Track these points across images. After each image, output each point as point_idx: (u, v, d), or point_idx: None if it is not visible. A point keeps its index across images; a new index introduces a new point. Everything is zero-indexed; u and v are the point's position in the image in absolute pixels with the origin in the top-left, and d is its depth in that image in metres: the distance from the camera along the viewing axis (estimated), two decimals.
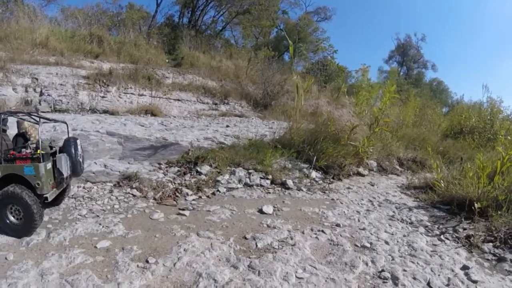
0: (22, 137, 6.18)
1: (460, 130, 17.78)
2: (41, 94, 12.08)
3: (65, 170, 5.66)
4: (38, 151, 5.33)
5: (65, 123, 6.44)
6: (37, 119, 5.77)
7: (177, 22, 26.21)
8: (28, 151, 5.51)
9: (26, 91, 11.97)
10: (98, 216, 6.04)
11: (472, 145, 15.80)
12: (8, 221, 5.19)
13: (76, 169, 5.97)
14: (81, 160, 6.16)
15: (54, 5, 22.67)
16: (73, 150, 5.88)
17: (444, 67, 69.73)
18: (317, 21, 35.26)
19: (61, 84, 12.69)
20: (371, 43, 75.56)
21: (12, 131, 6.25)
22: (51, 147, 6.05)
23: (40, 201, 5.25)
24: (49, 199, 5.50)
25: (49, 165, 5.44)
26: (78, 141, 6.12)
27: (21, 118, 6.22)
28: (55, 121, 6.71)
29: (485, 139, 16.63)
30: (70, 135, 6.48)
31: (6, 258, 4.42)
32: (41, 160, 5.23)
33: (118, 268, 4.36)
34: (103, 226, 5.62)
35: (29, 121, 6.29)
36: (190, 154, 9.06)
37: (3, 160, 5.31)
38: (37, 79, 12.47)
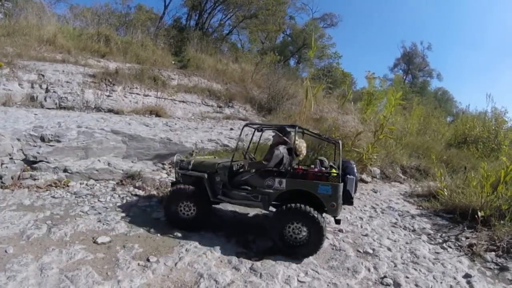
0: (290, 151, 5.76)
1: (464, 140, 17.73)
2: (47, 90, 12.09)
3: (353, 193, 5.43)
4: (333, 170, 5.31)
5: (338, 143, 5.99)
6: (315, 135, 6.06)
7: (185, 25, 26.25)
8: (317, 169, 5.46)
9: (32, 87, 11.98)
10: (100, 213, 6.04)
11: (476, 154, 15.75)
12: (286, 238, 5.13)
13: (355, 191, 5.69)
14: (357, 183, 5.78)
15: (63, 3, 22.78)
16: (355, 173, 5.56)
17: (449, 76, 70.01)
18: (323, 27, 35.39)
19: (67, 82, 12.71)
20: (376, 50, 75.96)
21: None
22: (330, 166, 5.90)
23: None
24: (340, 223, 5.59)
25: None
26: (354, 162, 5.89)
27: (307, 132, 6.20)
28: (328, 139, 6.57)
29: (489, 149, 16.58)
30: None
31: (6, 251, 4.41)
32: (340, 180, 5.09)
33: (118, 266, 4.35)
34: (104, 224, 5.62)
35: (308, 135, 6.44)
36: (194, 155, 9.05)
37: (292, 175, 5.29)
38: (43, 75, 12.50)
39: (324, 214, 5.30)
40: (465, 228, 7.05)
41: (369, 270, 5.07)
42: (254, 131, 6.57)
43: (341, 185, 5.07)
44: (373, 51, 77.56)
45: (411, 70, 49.17)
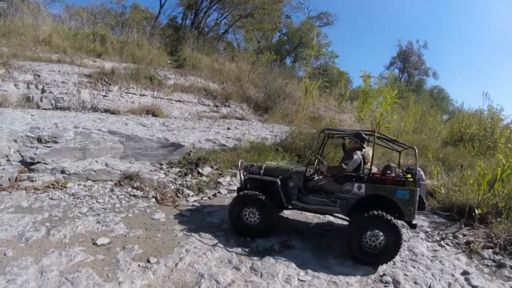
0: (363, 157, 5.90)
1: (460, 138, 17.75)
2: (43, 91, 12.04)
3: (424, 199, 5.47)
4: (408, 175, 5.30)
5: (415, 149, 5.94)
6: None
7: (180, 24, 26.25)
8: (392, 174, 5.48)
9: (28, 87, 11.94)
10: (98, 214, 6.02)
11: (472, 152, 15.78)
12: (365, 246, 5.10)
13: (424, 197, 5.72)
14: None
15: (58, 3, 22.70)
16: (423, 179, 5.61)
17: (445, 74, 70.22)
18: (319, 26, 35.47)
19: (63, 82, 12.67)
20: (372, 49, 76.18)
21: None
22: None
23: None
24: (416, 227, 5.61)
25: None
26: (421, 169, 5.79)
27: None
28: (405, 146, 6.39)
29: (485, 147, 16.61)
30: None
31: (5, 254, 4.39)
32: (417, 185, 5.09)
33: (119, 267, 4.35)
34: (103, 225, 5.61)
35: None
36: (191, 155, 9.06)
37: (371, 180, 5.29)
38: (39, 76, 12.45)
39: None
40: (463, 226, 7.08)
41: (368, 268, 5.09)
42: (325, 137, 6.53)
43: (418, 189, 5.08)
44: (369, 49, 77.78)
45: (407, 69, 49.32)
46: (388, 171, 5.66)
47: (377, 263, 5.09)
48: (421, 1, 72.86)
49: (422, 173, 5.63)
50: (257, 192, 5.64)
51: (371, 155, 5.80)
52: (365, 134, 5.95)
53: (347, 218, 5.72)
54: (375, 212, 4.99)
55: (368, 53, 75.77)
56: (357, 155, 5.58)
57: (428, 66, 50.04)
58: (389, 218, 4.93)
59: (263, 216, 5.64)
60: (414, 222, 5.33)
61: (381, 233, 5.02)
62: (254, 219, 5.68)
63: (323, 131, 6.34)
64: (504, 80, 73.46)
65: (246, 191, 5.85)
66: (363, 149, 5.83)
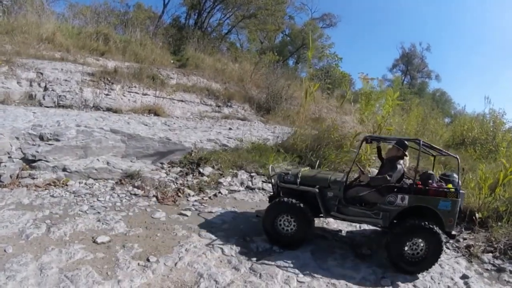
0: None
1: (462, 141, 17.73)
2: (46, 89, 12.06)
3: (461, 206, 5.40)
4: (449, 185, 5.29)
5: (457, 158, 5.78)
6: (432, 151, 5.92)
7: (184, 24, 26.22)
8: (435, 185, 5.40)
9: (31, 85, 11.96)
10: (99, 212, 6.03)
11: (473, 156, 15.75)
12: (405, 254, 5.08)
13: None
14: None
15: (62, 1, 22.86)
16: (458, 184, 5.45)
17: (448, 77, 70.08)
18: (322, 28, 35.40)
19: (65, 80, 12.69)
20: (375, 51, 75.94)
21: None
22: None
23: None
24: (455, 237, 5.50)
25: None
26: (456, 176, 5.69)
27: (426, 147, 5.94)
28: (448, 154, 6.32)
29: (486, 151, 16.57)
30: None
31: (5, 251, 4.40)
32: (458, 196, 5.07)
33: (118, 266, 4.36)
34: (104, 223, 5.62)
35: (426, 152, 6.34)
36: (193, 155, 9.06)
37: (414, 191, 5.21)
38: (42, 73, 12.47)
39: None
40: (463, 230, 7.08)
41: (367, 270, 5.10)
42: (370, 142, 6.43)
43: (459, 200, 5.07)
44: (372, 51, 77.58)
45: (409, 71, 49.22)
46: (429, 181, 5.53)
47: (416, 271, 5.07)
48: (425, 4, 72.76)
49: (458, 180, 5.55)
50: (294, 200, 5.46)
51: (407, 163, 5.83)
52: (407, 141, 5.87)
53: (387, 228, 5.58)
54: (418, 222, 4.98)
55: (371, 55, 75.60)
56: (400, 165, 5.49)
57: (431, 68, 50.00)
58: (432, 227, 4.90)
59: (299, 225, 5.47)
60: (453, 232, 5.25)
61: (422, 242, 5.00)
62: (290, 227, 5.52)
63: (365, 139, 6.20)
64: (507, 84, 73.22)
65: (282, 197, 5.68)
66: (407, 157, 5.74)
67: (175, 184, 7.86)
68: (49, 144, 7.93)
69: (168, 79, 16.19)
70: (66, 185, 7.14)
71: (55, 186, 7.04)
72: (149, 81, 14.90)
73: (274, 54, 23.79)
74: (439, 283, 4.91)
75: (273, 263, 4.90)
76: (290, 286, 4.37)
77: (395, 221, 5.33)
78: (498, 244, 6.20)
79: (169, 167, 8.69)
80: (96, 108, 12.34)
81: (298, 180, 5.70)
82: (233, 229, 6.05)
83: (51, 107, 11.45)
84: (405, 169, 5.53)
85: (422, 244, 5.00)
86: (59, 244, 4.79)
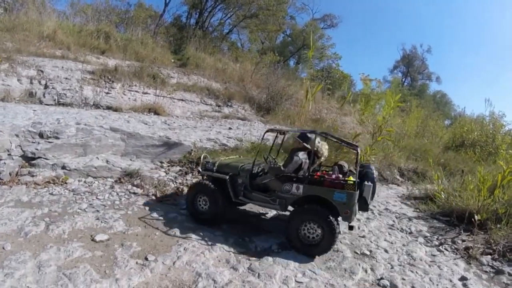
0: (308, 155, 5.96)
1: (461, 143, 17.77)
2: (46, 86, 12.06)
3: (369, 200, 5.55)
4: (350, 177, 5.45)
5: (357, 149, 5.81)
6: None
7: (185, 23, 26.22)
8: (335, 176, 5.59)
9: (31, 82, 11.95)
10: (98, 211, 6.04)
11: (473, 158, 15.79)
12: (301, 237, 5.35)
13: (372, 197, 5.94)
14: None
15: None
16: (373, 179, 5.69)
17: (448, 79, 70.10)
18: (323, 28, 35.40)
19: (66, 78, 12.68)
20: (376, 52, 76.16)
21: None
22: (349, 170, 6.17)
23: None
24: (353, 229, 5.87)
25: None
26: (374, 169, 5.97)
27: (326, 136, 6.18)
28: (348, 144, 6.29)
29: (486, 153, 16.62)
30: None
31: (3, 248, 4.41)
32: (356, 188, 5.17)
33: (117, 264, 4.36)
34: (102, 221, 5.62)
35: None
36: (192, 154, 9.05)
37: (309, 181, 5.43)
38: (42, 71, 12.46)
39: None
40: (462, 231, 7.09)
41: (366, 271, 5.10)
42: (277, 135, 6.76)
43: (356, 193, 5.15)
44: (373, 53, 77.76)
45: (410, 73, 49.29)
46: (331, 172, 5.84)
47: (312, 254, 5.28)
48: (426, 6, 72.82)
49: (373, 171, 5.79)
50: (207, 182, 6.19)
51: (325, 150, 6.14)
52: (309, 134, 6.03)
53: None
54: (308, 208, 5.31)
55: (372, 56, 75.84)
56: (298, 157, 5.68)
57: (431, 70, 50.09)
58: (323, 212, 5.18)
59: (211, 204, 6.08)
60: (352, 224, 5.55)
61: (317, 227, 5.24)
62: (205, 206, 6.15)
63: (268, 131, 6.62)
64: (507, 85, 73.27)
65: (201, 181, 6.46)
66: (309, 149, 5.83)
67: (175, 183, 7.86)
68: (49, 142, 7.94)
69: (168, 78, 16.19)
70: (65, 183, 7.15)
71: (54, 184, 7.05)
72: (150, 80, 14.89)
73: (275, 54, 23.78)
74: (437, 285, 4.90)
75: (271, 262, 4.90)
76: (288, 286, 4.37)
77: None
78: (497, 246, 6.20)
79: (168, 166, 8.68)
80: (96, 106, 12.33)
81: (214, 168, 6.32)
82: (231, 229, 6.06)
83: (51, 105, 11.44)
84: (306, 160, 5.73)
85: (318, 230, 5.23)
86: (57, 242, 4.79)
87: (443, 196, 8.64)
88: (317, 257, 5.33)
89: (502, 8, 70.57)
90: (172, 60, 19.36)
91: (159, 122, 11.36)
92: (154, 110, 13.16)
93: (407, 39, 69.57)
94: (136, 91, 14.00)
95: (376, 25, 74.18)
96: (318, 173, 5.76)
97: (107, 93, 13.04)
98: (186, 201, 6.39)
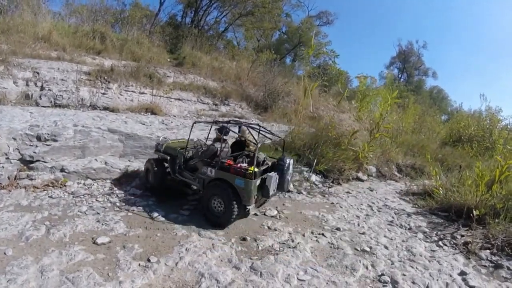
0: (239, 144, 7.60)
1: (459, 138, 17.84)
2: (42, 88, 12.01)
3: (272, 189, 6.26)
4: (252, 168, 6.03)
5: (283, 141, 7.78)
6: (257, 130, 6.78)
7: (180, 22, 26.14)
8: (244, 165, 6.35)
9: (27, 84, 11.90)
10: (98, 213, 6.03)
11: (470, 153, 15.86)
12: (210, 209, 6.29)
13: (282, 187, 6.65)
14: (289, 178, 6.86)
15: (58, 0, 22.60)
16: (285, 170, 6.59)
17: (445, 75, 70.14)
18: (319, 25, 35.41)
19: (62, 79, 12.63)
20: (372, 48, 76.06)
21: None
22: (264, 161, 6.92)
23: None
24: (250, 212, 6.58)
25: (258, 182, 6.12)
26: (291, 161, 6.85)
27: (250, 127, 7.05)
28: (275, 135, 7.61)
29: (483, 148, 16.69)
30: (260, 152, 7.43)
31: (5, 253, 4.40)
32: (253, 178, 5.91)
33: (119, 267, 4.37)
34: (103, 224, 5.62)
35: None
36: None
37: (220, 167, 6.30)
38: (38, 73, 12.41)
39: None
40: (460, 226, 7.14)
41: (366, 268, 5.14)
42: (211, 127, 7.70)
43: (253, 181, 5.90)
44: (369, 49, 77.47)
45: (406, 69, 49.26)
46: (240, 160, 6.73)
47: (218, 224, 6.10)
48: (421, 1, 72.84)
49: (286, 164, 6.64)
50: (152, 161, 7.60)
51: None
52: (227, 127, 7.02)
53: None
54: (216, 183, 6.29)
55: (368, 52, 75.72)
56: (214, 146, 6.78)
57: (427, 66, 50.09)
58: (226, 190, 6.08)
59: (154, 176, 7.46)
60: (249, 207, 6.18)
61: (221, 202, 6.13)
62: (153, 178, 7.48)
63: (195, 122, 7.74)
64: (503, 81, 73.43)
65: (150, 159, 7.78)
66: (226, 140, 7.03)
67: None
68: (47, 145, 7.92)
69: (165, 77, 16.17)
70: (65, 185, 7.14)
71: (53, 187, 7.03)
72: (146, 79, 14.86)
73: (271, 52, 23.73)
74: (437, 280, 4.94)
75: (273, 261, 4.92)
76: (290, 284, 4.39)
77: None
78: (495, 240, 6.24)
79: (167, 166, 8.67)
80: (93, 107, 12.30)
81: (162, 149, 7.60)
82: (232, 228, 6.08)
83: (48, 106, 11.41)
84: (225, 149, 6.80)
85: (222, 205, 6.11)
86: (59, 245, 4.79)
87: (441, 192, 8.69)
88: (318, 254, 5.36)
89: (500, 2, 70.67)
90: (168, 60, 19.32)
91: (156, 122, 11.34)
92: (151, 110, 13.14)
93: (403, 35, 69.69)
94: (132, 91, 13.97)
95: (371, 22, 73.98)
96: (229, 161, 6.51)
97: (104, 93, 13.01)
98: (144, 173, 7.75)
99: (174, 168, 7.32)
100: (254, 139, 6.88)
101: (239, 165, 6.36)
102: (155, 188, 7.47)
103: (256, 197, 6.15)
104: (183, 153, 7.21)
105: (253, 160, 6.19)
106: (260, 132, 6.82)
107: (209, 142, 7.54)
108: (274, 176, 6.20)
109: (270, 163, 6.86)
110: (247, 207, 6.14)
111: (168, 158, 7.47)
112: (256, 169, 6.02)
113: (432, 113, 21.93)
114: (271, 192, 6.20)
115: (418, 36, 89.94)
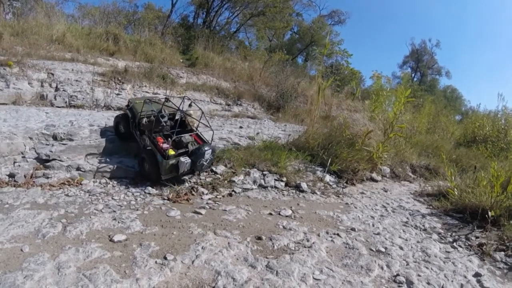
0: (182, 123, 8.60)
1: (473, 139, 17.60)
2: (57, 89, 12.18)
3: (182, 169, 7.38)
4: (170, 151, 7.36)
5: (212, 130, 8.56)
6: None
7: (192, 23, 26.31)
8: (166, 146, 7.50)
9: (42, 86, 12.07)
10: (114, 211, 6.08)
11: (485, 154, 15.64)
12: (142, 167, 7.83)
13: (195, 168, 7.64)
14: (205, 163, 7.74)
15: (71, 2, 23.04)
16: (198, 156, 7.49)
17: (458, 74, 69.46)
18: (331, 25, 35.32)
19: (76, 80, 12.80)
20: (385, 47, 75.74)
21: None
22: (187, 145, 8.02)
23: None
24: (163, 179, 7.53)
25: (172, 162, 7.30)
26: (209, 151, 7.70)
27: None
28: (188, 115, 8.87)
29: (498, 149, 16.45)
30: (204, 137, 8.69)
31: (22, 250, 4.43)
32: (166, 158, 7.21)
33: (136, 264, 4.38)
34: (119, 222, 5.65)
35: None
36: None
37: (151, 141, 7.70)
38: (53, 74, 12.58)
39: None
40: (475, 228, 7.04)
41: (382, 268, 5.09)
42: (162, 106, 8.41)
43: (166, 161, 7.20)
44: (381, 48, 77.19)
45: (419, 68, 48.87)
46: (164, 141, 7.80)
47: (148, 179, 7.71)
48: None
49: (201, 151, 7.49)
50: (120, 116, 8.96)
51: (195, 121, 8.95)
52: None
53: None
54: (147, 148, 7.73)
55: (381, 51, 75.45)
56: (155, 120, 7.90)
57: (441, 65, 49.59)
58: (152, 155, 7.52)
59: (123, 128, 8.73)
60: (162, 177, 7.47)
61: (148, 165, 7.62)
62: (122, 129, 8.76)
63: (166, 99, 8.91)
64: None
65: (119, 114, 9.21)
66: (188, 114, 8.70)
67: (189, 182, 7.91)
68: (63, 144, 8.03)
69: (178, 78, 16.29)
70: (81, 184, 7.21)
71: (69, 185, 7.10)
72: (159, 80, 14.99)
73: (283, 52, 23.73)
74: (452, 281, 4.88)
75: (289, 260, 4.90)
76: (306, 283, 4.37)
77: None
78: (510, 242, 6.13)
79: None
80: (107, 107, 12.43)
81: (130, 106, 8.70)
82: (248, 227, 6.07)
83: (63, 107, 11.56)
84: (165, 124, 8.07)
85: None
86: (75, 243, 4.82)
87: (456, 193, 8.56)
88: (333, 254, 5.34)
89: None
90: (181, 60, 19.46)
91: None
92: None
93: (416, 34, 69.08)
94: (146, 92, 14.10)
95: (384, 20, 73.69)
96: (159, 138, 7.80)
97: (118, 94, 13.14)
98: (114, 125, 9.07)
99: (131, 125, 8.44)
100: (187, 113, 8.60)
101: (162, 145, 7.53)
102: (126, 138, 8.75)
103: (171, 171, 7.42)
104: (139, 117, 8.18)
105: (173, 143, 7.66)
106: (165, 105, 8.38)
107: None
108: (185, 161, 7.33)
109: (191, 148, 7.78)
110: (162, 177, 7.42)
111: (130, 115, 8.50)
112: (173, 152, 7.42)
113: (446, 113, 21.69)
114: (180, 171, 7.39)
115: (431, 35, 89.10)
